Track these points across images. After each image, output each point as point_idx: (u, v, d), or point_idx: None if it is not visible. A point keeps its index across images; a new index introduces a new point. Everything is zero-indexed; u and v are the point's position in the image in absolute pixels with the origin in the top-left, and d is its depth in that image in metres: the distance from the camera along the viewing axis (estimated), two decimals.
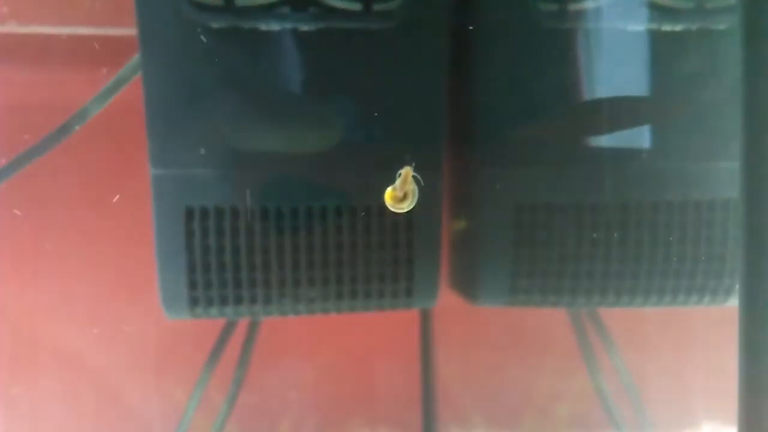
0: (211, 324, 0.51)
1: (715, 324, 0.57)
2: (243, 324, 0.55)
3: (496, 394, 0.65)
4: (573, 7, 0.41)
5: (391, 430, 0.64)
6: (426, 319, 0.56)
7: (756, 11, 0.28)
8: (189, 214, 0.41)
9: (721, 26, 0.41)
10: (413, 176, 0.35)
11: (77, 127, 0.47)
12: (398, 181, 0.35)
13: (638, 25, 0.41)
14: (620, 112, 0.42)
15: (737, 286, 0.42)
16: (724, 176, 0.42)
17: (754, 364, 0.27)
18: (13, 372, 0.59)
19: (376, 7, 0.40)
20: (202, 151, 0.41)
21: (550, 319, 0.59)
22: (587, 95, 0.42)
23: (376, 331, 0.63)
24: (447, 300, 0.48)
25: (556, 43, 0.41)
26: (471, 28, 0.42)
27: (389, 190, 0.35)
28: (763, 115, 0.28)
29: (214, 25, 0.39)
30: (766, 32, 0.28)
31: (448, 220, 0.49)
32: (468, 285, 0.47)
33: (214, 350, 0.54)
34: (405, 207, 0.36)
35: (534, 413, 0.65)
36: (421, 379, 0.57)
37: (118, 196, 0.51)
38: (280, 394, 0.63)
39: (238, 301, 0.42)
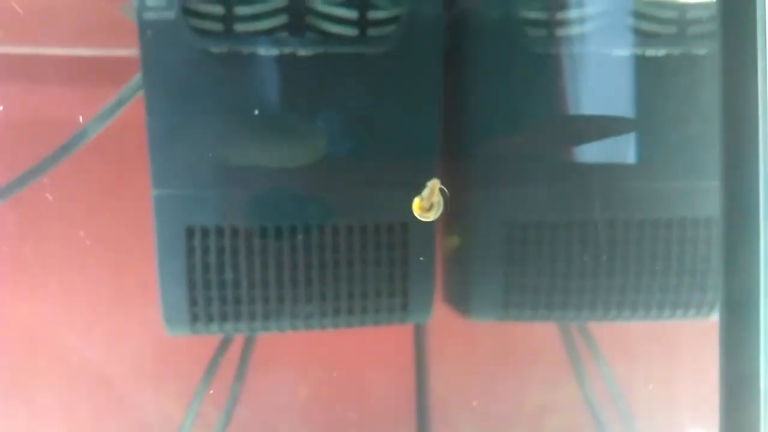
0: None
1: (700, 334, 0.59)
2: (238, 339, 0.56)
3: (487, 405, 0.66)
4: (560, 33, 0.43)
5: None
6: (420, 332, 0.58)
7: (731, 41, 0.30)
8: (189, 232, 0.42)
9: (702, 51, 0.43)
10: (440, 189, 0.36)
11: (77, 147, 0.48)
12: (425, 192, 0.36)
13: (623, 50, 0.43)
14: (606, 133, 0.44)
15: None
16: (706, 195, 0.44)
17: (733, 371, 0.29)
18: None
19: (371, 32, 0.42)
20: (202, 171, 0.42)
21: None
22: (575, 117, 0.44)
23: (370, 344, 0.64)
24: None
25: (545, 67, 0.43)
26: (463, 52, 0.44)
27: (417, 200, 0.37)
28: (738, 136, 0.30)
29: (215, 50, 0.41)
30: (740, 60, 0.30)
31: (442, 237, 0.50)
32: (461, 300, 0.48)
33: (210, 366, 0.55)
34: (431, 216, 0.37)
35: (524, 423, 0.66)
36: (416, 392, 0.58)
37: None
38: (273, 407, 0.64)
39: (238, 317, 0.43)
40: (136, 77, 0.47)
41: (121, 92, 0.48)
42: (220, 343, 0.55)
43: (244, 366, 0.57)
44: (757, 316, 0.28)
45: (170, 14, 0.40)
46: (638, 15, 0.43)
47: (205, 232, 0.42)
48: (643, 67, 0.43)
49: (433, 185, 0.36)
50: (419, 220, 0.42)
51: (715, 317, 0.45)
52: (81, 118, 0.47)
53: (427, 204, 0.36)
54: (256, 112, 0.41)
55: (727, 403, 0.28)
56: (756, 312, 0.28)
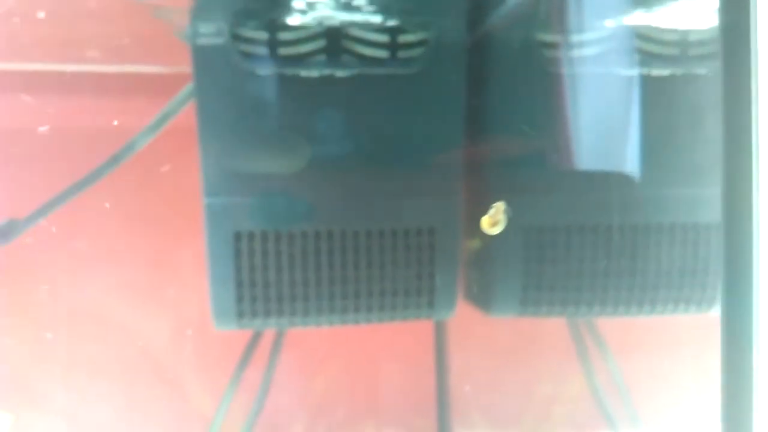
0: None
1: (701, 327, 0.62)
2: (268, 333, 0.59)
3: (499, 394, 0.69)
4: (574, 54, 0.47)
5: None
6: (440, 326, 0.61)
7: (732, 61, 0.34)
8: (237, 237, 0.46)
9: (704, 71, 0.47)
10: (504, 209, 0.44)
11: (126, 159, 0.52)
12: (492, 211, 0.44)
13: (630, 70, 0.47)
14: (616, 145, 0.48)
15: (719, 298, 0.48)
16: (707, 201, 0.47)
17: (733, 367, 0.32)
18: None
19: (401, 54, 0.46)
20: (248, 181, 0.46)
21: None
22: (586, 131, 0.48)
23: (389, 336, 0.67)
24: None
25: (559, 85, 0.47)
26: (484, 71, 0.48)
27: (485, 217, 0.44)
28: (737, 148, 0.34)
29: (260, 71, 0.44)
30: (739, 80, 0.34)
31: (466, 240, 0.54)
32: (483, 297, 0.51)
33: (242, 360, 0.58)
34: (496, 231, 0.45)
35: (534, 412, 0.69)
36: (436, 384, 0.62)
37: None
38: (292, 398, 0.67)
39: (280, 313, 0.47)
40: (182, 92, 0.51)
41: (168, 106, 0.51)
42: (251, 337, 0.59)
43: (275, 357, 0.61)
44: (750, 314, 0.32)
45: (220, 40, 0.44)
46: (644, 38, 0.46)
47: (251, 237, 0.46)
48: (649, 86, 0.47)
49: (498, 206, 0.43)
50: (445, 224, 0.47)
51: (713, 312, 0.49)
52: None
53: (493, 221, 0.42)
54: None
55: (727, 393, 0.32)
56: (749, 311, 0.32)
